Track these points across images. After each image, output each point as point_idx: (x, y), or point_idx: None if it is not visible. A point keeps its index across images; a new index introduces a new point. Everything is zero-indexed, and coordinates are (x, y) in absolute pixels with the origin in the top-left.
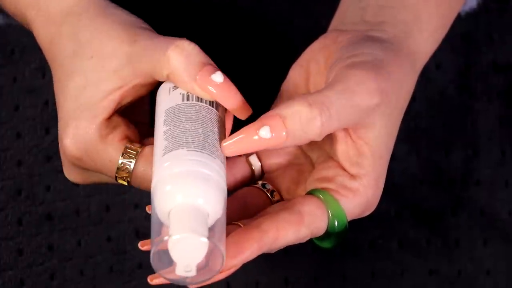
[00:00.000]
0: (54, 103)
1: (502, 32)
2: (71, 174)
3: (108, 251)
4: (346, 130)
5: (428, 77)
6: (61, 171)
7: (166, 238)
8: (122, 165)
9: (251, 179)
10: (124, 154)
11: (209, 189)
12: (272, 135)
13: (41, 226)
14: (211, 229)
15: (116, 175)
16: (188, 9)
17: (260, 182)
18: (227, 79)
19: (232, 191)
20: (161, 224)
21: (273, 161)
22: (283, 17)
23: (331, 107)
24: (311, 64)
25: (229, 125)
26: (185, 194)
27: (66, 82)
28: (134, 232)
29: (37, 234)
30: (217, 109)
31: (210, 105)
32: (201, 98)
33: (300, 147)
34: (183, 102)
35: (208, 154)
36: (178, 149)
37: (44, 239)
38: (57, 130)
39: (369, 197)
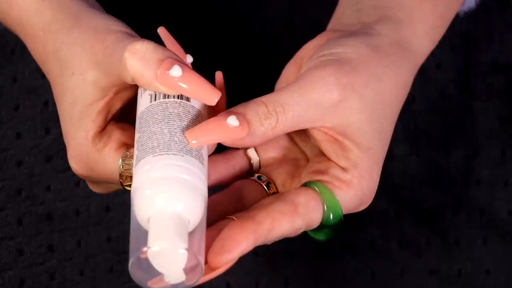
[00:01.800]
0: (54, 103)
1: (502, 31)
2: (93, 188)
3: (108, 251)
4: (319, 130)
5: (428, 76)
6: (61, 171)
7: (145, 249)
8: (123, 174)
9: (249, 173)
10: (122, 163)
11: (187, 194)
12: (238, 124)
13: (41, 226)
14: (191, 235)
15: (122, 183)
16: (188, 9)
17: (255, 175)
18: (187, 69)
19: (230, 182)
20: (140, 229)
21: (270, 155)
22: (282, 18)
23: (284, 104)
24: (304, 61)
25: (222, 108)
26: (164, 201)
27: (60, 102)
28: None
29: (37, 234)
30: (187, 100)
31: (179, 98)
32: (168, 95)
33: (295, 143)
34: (151, 104)
35: (174, 154)
36: (145, 157)
37: (44, 239)
38: (57, 130)
39: (363, 189)
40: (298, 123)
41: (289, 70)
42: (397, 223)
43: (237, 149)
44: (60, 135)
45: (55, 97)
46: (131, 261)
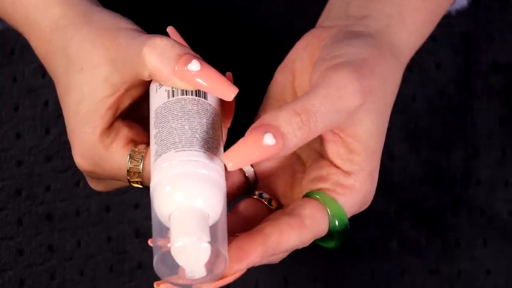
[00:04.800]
0: (54, 103)
1: (502, 31)
2: (93, 185)
3: (108, 251)
4: (332, 130)
5: (428, 76)
6: (61, 171)
7: (168, 245)
8: (131, 170)
9: (246, 186)
10: (131, 159)
11: (206, 188)
12: (275, 142)
13: (41, 226)
14: (212, 229)
15: (129, 179)
16: (187, 9)
17: (257, 192)
18: (205, 65)
19: (230, 200)
20: (162, 226)
21: (265, 165)
22: (282, 18)
23: (317, 113)
24: (296, 63)
25: (231, 107)
26: (184, 197)
27: (65, 98)
28: (134, 232)
29: (37, 234)
30: (205, 98)
31: (196, 96)
32: (186, 91)
33: None
34: (169, 100)
35: (197, 150)
36: (166, 152)
37: (44, 239)
38: (57, 130)
39: (365, 192)
40: (323, 130)
41: (280, 74)
42: (397, 223)
43: None
44: (60, 135)
45: (59, 95)
46: (155, 258)
